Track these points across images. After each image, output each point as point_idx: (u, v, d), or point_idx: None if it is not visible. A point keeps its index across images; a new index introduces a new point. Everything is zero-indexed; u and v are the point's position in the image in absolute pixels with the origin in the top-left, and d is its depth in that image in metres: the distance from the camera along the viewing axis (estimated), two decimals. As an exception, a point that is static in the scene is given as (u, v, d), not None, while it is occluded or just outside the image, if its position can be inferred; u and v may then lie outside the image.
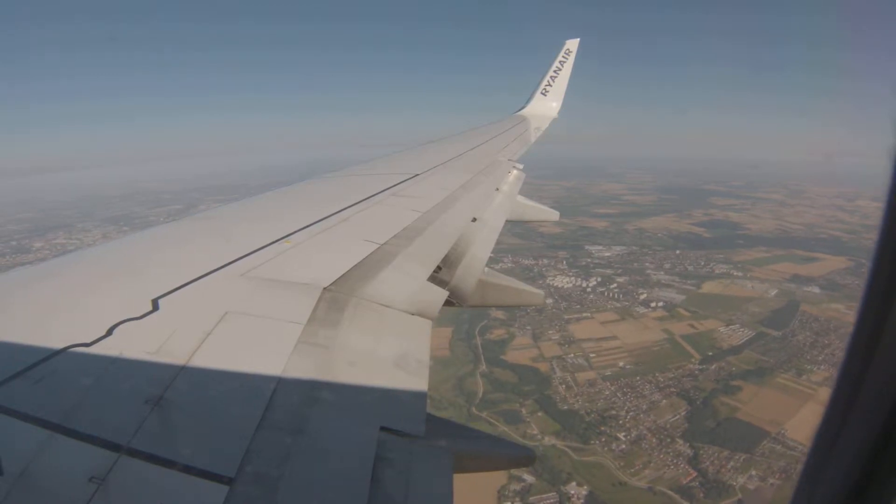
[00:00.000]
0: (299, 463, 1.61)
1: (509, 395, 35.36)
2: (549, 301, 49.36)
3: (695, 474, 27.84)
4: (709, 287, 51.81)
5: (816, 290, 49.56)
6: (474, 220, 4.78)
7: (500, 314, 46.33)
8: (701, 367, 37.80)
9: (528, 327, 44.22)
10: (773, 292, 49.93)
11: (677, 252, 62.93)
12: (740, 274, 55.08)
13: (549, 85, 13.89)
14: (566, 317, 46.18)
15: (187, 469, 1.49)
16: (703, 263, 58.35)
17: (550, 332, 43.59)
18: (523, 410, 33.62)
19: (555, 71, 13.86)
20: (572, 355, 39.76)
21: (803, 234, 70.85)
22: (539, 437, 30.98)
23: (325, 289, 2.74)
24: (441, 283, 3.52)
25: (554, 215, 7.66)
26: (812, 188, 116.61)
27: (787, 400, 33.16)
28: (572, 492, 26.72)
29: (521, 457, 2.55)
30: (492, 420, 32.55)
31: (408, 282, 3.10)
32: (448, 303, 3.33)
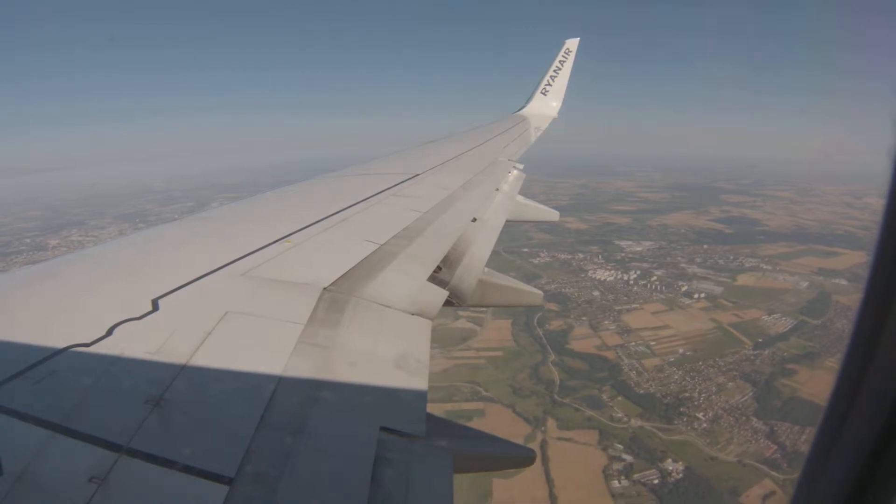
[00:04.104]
0: (299, 463, 1.62)
1: (585, 382, 37.28)
2: (596, 293, 51.87)
3: (775, 448, 30.32)
4: (743, 279, 54.57)
5: (844, 282, 52.31)
6: (474, 220, 4.81)
7: (553, 306, 48.60)
8: (755, 352, 40.37)
9: (584, 318, 46.43)
10: (805, 284, 52.81)
11: (705, 247, 65.59)
12: (769, 267, 57.97)
13: (549, 84, 13.74)
14: (617, 308, 48.50)
15: (187, 469, 1.49)
16: (731, 258, 61.03)
17: (606, 322, 45.82)
18: (603, 396, 35.47)
19: (555, 70, 13.73)
20: (633, 343, 41.98)
21: (820, 230, 73.49)
22: (625, 419, 33.05)
23: (325, 289, 2.76)
24: (441, 283, 3.55)
25: (554, 215, 7.61)
26: (819, 186, 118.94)
27: (840, 381, 36.07)
28: (670, 468, 28.81)
29: (522, 457, 2.57)
30: (576, 406, 34.49)
31: (408, 282, 3.12)
32: (448, 303, 3.38)
